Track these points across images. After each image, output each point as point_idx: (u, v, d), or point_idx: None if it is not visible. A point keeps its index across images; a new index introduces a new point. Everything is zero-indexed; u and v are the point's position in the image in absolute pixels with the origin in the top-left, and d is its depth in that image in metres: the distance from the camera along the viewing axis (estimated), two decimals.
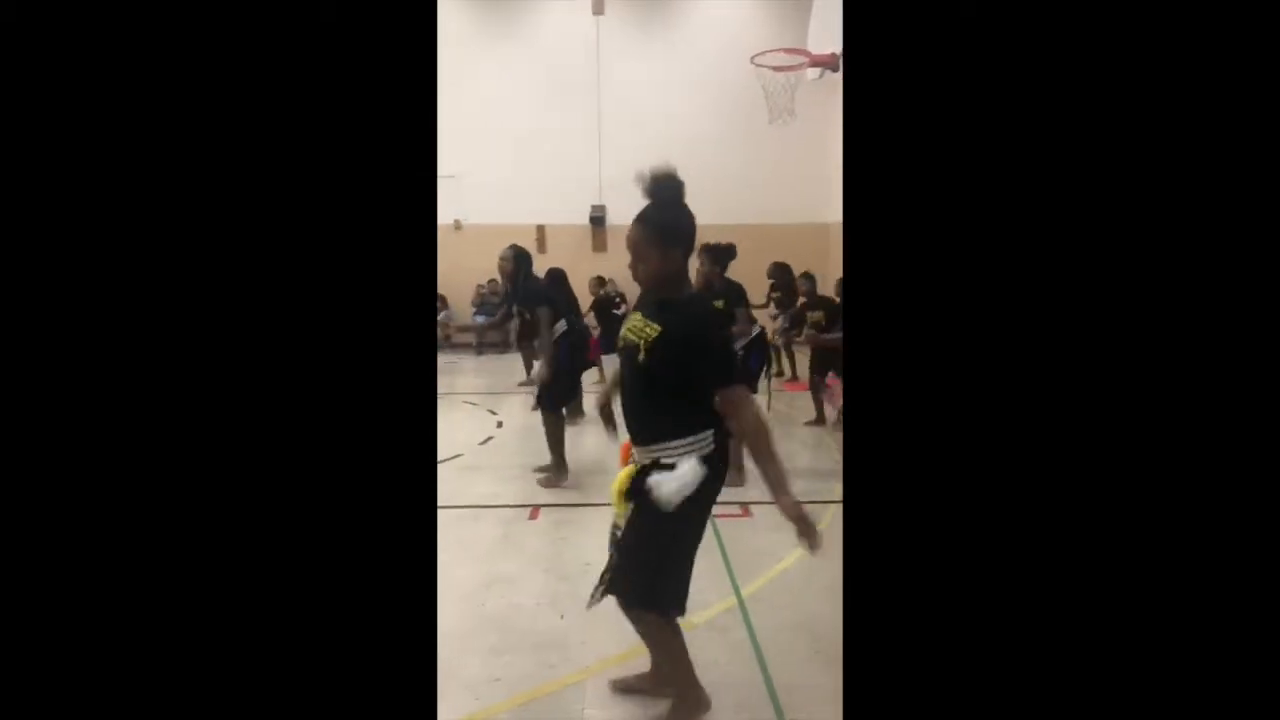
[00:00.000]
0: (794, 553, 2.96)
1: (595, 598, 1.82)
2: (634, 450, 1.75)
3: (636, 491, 1.69)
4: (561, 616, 2.48)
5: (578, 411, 5.51)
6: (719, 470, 1.69)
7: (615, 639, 2.31)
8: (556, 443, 3.94)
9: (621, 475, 1.75)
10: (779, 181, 9.56)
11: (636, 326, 1.69)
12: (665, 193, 1.67)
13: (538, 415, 3.98)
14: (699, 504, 1.66)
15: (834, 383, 4.53)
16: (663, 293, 1.68)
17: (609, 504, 3.93)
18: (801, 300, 5.37)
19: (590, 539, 3.19)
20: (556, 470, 3.93)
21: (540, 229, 9.66)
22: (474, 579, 2.76)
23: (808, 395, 5.48)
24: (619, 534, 1.78)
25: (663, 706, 1.91)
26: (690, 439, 1.65)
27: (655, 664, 1.96)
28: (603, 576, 1.81)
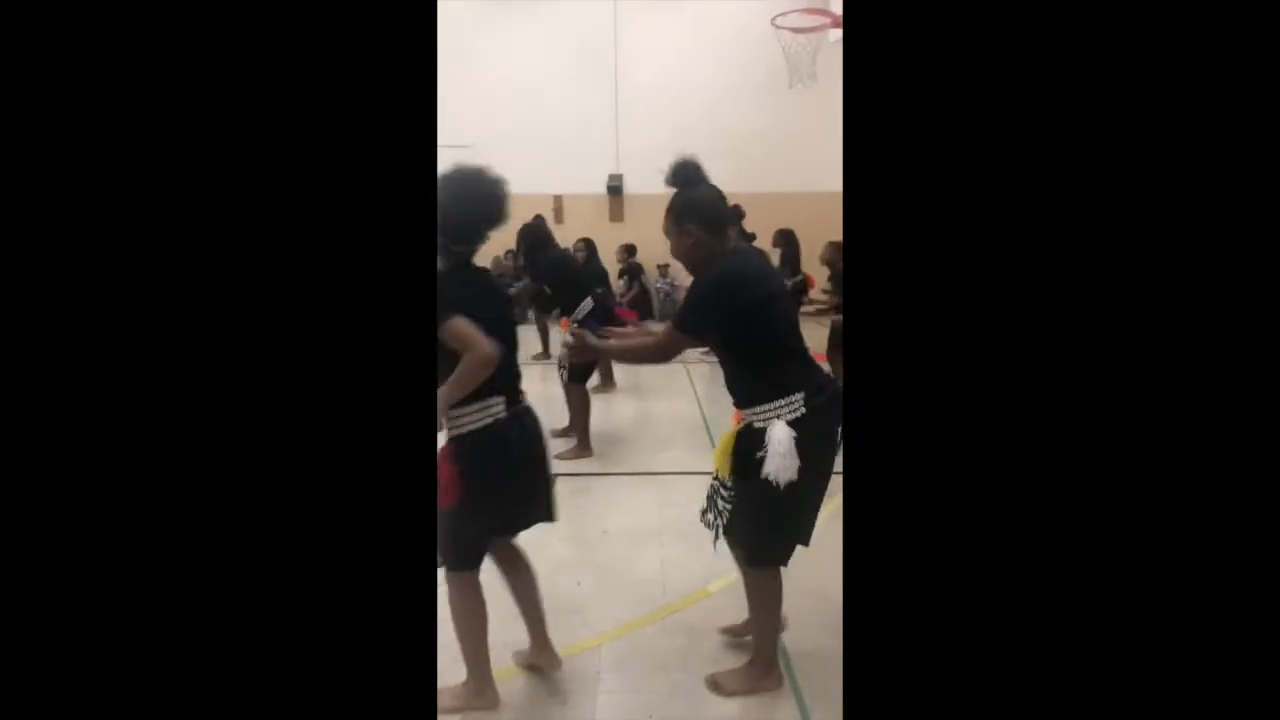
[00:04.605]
0: None
1: (715, 538, 1.95)
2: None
3: (738, 453, 1.76)
4: (579, 583, 2.52)
5: (609, 382, 5.55)
6: (820, 432, 1.71)
7: (631, 605, 2.34)
8: (580, 417, 3.92)
9: (725, 437, 1.83)
10: (801, 148, 9.38)
11: None
12: (682, 177, 1.77)
13: (555, 386, 4.00)
14: (806, 468, 1.69)
15: None
16: (689, 268, 1.78)
17: (627, 473, 3.94)
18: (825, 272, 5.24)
19: (607, 507, 3.22)
20: (580, 445, 3.91)
21: (557, 199, 9.61)
22: None
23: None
24: (723, 490, 1.85)
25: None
26: (775, 403, 1.70)
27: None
28: (712, 524, 1.91)
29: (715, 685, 1.92)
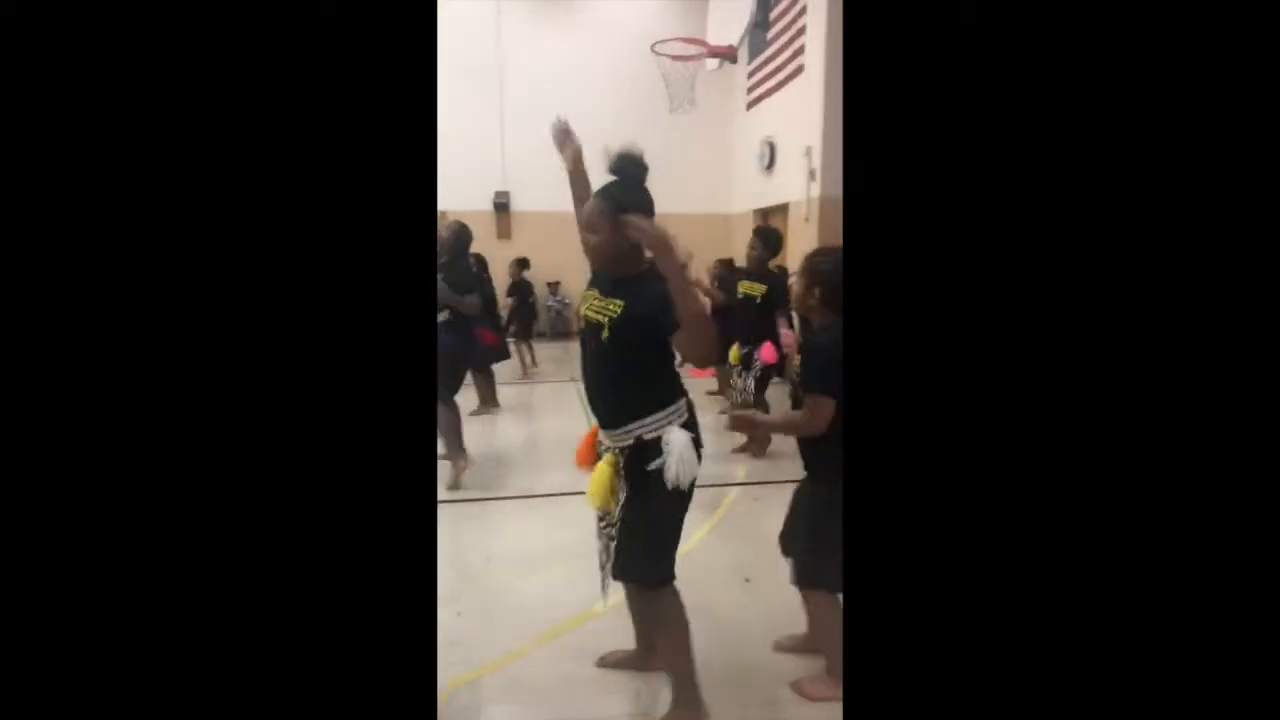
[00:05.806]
0: (695, 537, 3.02)
1: (605, 587, 1.86)
2: (606, 435, 1.72)
3: (631, 475, 1.67)
4: (459, 613, 2.42)
5: (492, 402, 5.38)
6: (697, 436, 1.70)
7: (513, 634, 2.27)
8: (454, 436, 3.77)
9: (604, 467, 1.70)
10: (680, 171, 9.64)
11: (596, 305, 1.68)
12: (627, 170, 1.66)
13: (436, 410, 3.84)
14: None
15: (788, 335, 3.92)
16: (618, 269, 1.67)
17: (511, 497, 3.81)
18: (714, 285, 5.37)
19: (490, 533, 3.13)
20: (462, 462, 3.76)
21: (442, 215, 9.36)
22: None
23: (712, 380, 5.57)
24: (610, 521, 1.75)
25: (631, 687, 1.97)
26: (667, 410, 1.66)
27: (640, 640, 2.02)
28: (604, 566, 1.80)
29: None
